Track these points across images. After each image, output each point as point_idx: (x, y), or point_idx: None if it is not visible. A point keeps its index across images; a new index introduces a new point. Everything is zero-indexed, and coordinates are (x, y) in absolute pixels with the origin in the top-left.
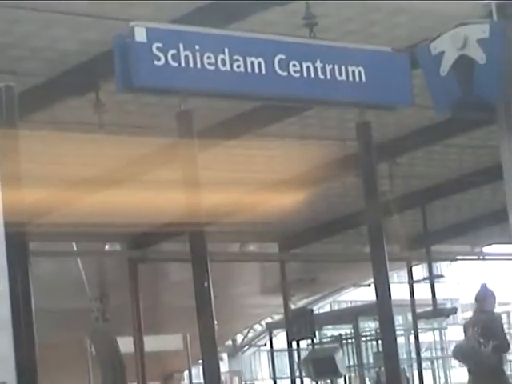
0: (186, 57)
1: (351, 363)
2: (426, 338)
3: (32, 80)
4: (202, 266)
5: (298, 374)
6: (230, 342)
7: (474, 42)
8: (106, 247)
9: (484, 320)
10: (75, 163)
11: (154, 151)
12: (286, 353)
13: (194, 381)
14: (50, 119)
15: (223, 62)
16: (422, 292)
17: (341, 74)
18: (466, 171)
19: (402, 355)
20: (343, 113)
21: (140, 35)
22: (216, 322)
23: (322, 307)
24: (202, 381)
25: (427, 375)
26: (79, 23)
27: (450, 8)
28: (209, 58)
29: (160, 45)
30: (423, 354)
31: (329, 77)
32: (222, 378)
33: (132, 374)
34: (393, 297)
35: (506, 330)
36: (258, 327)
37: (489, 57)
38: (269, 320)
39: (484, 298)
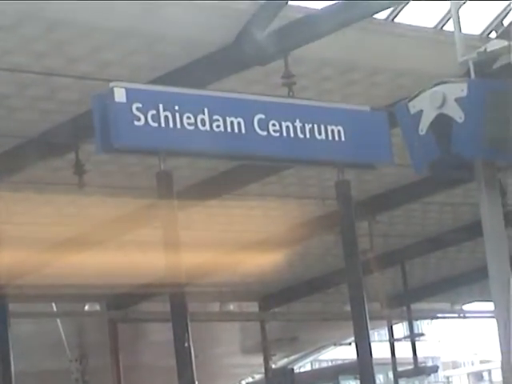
0: (166, 117)
1: None
2: None
3: (11, 141)
4: (182, 326)
5: None
6: None
7: (452, 101)
8: (86, 308)
9: None
10: (55, 224)
11: (134, 211)
12: None
13: None
14: (30, 180)
15: (203, 121)
16: (403, 350)
17: (320, 134)
18: (445, 229)
19: None
20: (323, 171)
21: (119, 95)
22: (196, 382)
23: (303, 366)
24: None
25: None
26: (56, 83)
27: (427, 67)
28: (188, 117)
29: (140, 105)
30: None
31: (308, 136)
32: None
33: None
34: (374, 355)
35: None
36: None
37: (467, 115)
38: (249, 380)
39: None
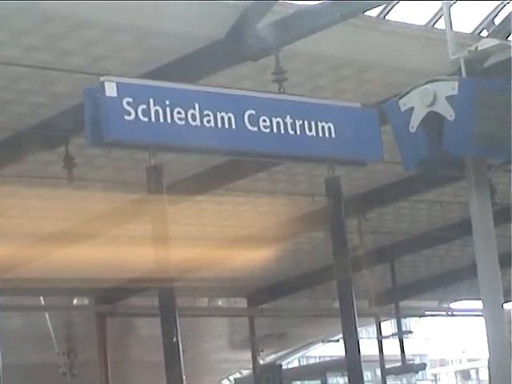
0: (157, 111)
1: None
2: None
3: (1, 134)
4: (170, 321)
5: None
6: None
7: (442, 99)
8: (75, 301)
9: None
10: (44, 218)
11: (124, 206)
12: None
13: None
14: (19, 173)
15: (193, 116)
16: (391, 348)
17: (310, 130)
18: (434, 227)
19: None
20: (312, 168)
21: (110, 90)
22: (184, 377)
23: (291, 362)
24: None
25: None
26: (47, 76)
27: (419, 65)
28: (179, 112)
29: (130, 99)
30: None
31: (298, 132)
32: None
33: None
34: (362, 352)
35: None
36: (226, 382)
37: (457, 113)
38: (237, 375)
39: None
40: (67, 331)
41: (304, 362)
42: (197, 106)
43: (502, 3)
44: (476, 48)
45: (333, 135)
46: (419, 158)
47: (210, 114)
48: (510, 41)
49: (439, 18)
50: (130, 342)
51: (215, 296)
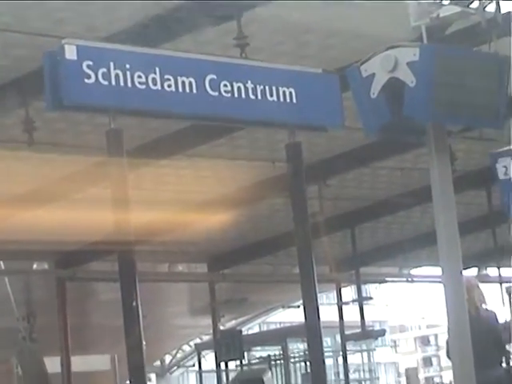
0: (117, 75)
1: None
2: (354, 359)
3: None
4: (130, 286)
5: None
6: (158, 363)
7: (404, 65)
8: (34, 266)
9: None
10: (3, 181)
11: (84, 170)
12: (215, 374)
13: None
14: None
15: (154, 81)
16: (351, 314)
17: (272, 95)
18: (395, 193)
19: (331, 377)
20: (273, 134)
21: (70, 53)
22: (144, 343)
23: (251, 328)
24: None
25: None
26: (9, 39)
27: (380, 31)
28: (139, 76)
29: (90, 63)
30: (351, 376)
31: (260, 97)
32: None
33: None
34: (322, 318)
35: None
36: (186, 348)
37: (418, 79)
38: (197, 341)
39: None
40: (27, 296)
41: (264, 328)
42: (157, 70)
43: None
44: (438, 15)
45: (294, 100)
46: (380, 123)
47: (171, 78)
48: (471, 8)
49: None
50: (90, 307)
51: (176, 261)
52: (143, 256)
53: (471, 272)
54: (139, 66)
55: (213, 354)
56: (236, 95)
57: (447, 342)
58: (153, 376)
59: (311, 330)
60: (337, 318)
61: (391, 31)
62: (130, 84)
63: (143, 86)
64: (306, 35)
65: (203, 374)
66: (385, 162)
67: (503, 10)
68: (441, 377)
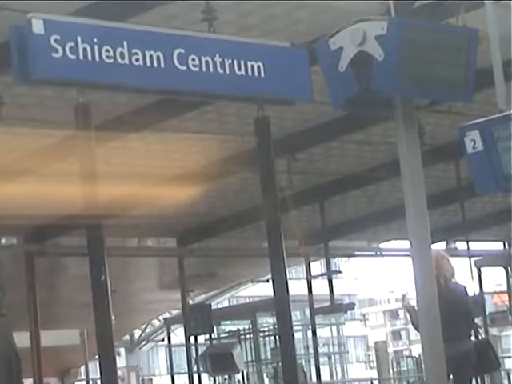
0: (84, 49)
1: (249, 359)
2: (323, 333)
3: None
4: (98, 261)
5: (195, 369)
6: (127, 337)
7: (372, 39)
8: (3, 241)
9: None
10: None
11: (52, 144)
12: (184, 348)
13: (91, 376)
14: None
15: (122, 55)
16: (320, 288)
17: (240, 69)
18: (364, 167)
19: (300, 350)
20: (242, 108)
21: (37, 27)
22: (113, 317)
23: (221, 303)
24: (99, 376)
25: (324, 370)
26: None
27: (349, 4)
28: (107, 51)
29: (58, 37)
30: (321, 350)
31: (228, 71)
32: (120, 373)
33: (28, 370)
34: (291, 292)
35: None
36: (156, 322)
37: (386, 53)
38: (167, 315)
39: None
40: None
41: (234, 303)
42: (125, 44)
43: None
44: None
45: (262, 74)
46: (348, 97)
47: (139, 52)
48: None
49: None
50: (60, 282)
51: (144, 236)
52: (112, 231)
53: (440, 246)
54: (107, 40)
55: (182, 329)
56: (204, 69)
57: (414, 311)
58: (122, 351)
59: (280, 304)
60: (306, 292)
61: (359, 5)
62: (97, 58)
63: (111, 60)
64: (274, 8)
65: (172, 349)
66: (353, 136)
67: None
68: (410, 350)
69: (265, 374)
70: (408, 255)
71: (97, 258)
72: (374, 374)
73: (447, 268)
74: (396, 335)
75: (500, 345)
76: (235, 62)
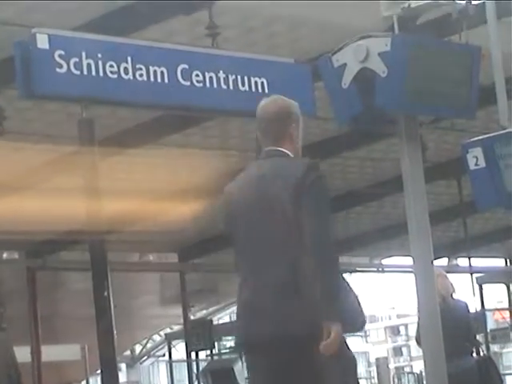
0: (89, 65)
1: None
2: None
3: None
4: (101, 276)
5: None
6: (128, 353)
7: (375, 55)
8: (4, 255)
9: None
10: None
11: (55, 159)
12: (185, 364)
13: None
14: None
15: (126, 70)
16: None
17: (243, 85)
18: (366, 183)
19: None
20: (245, 123)
21: (42, 42)
22: (115, 332)
23: (222, 318)
24: None
25: None
26: None
27: (352, 21)
28: (111, 66)
29: (62, 52)
30: None
31: (231, 87)
32: None
33: None
34: None
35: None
36: (157, 338)
37: (390, 70)
38: (168, 330)
39: None
40: None
41: (235, 318)
42: (129, 59)
43: None
44: (409, 5)
45: (266, 90)
46: (352, 114)
47: (143, 67)
48: None
49: None
50: (61, 297)
51: (146, 251)
52: (113, 246)
53: (441, 262)
54: (111, 55)
55: (183, 344)
56: (208, 85)
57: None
58: (123, 366)
59: None
60: None
61: (362, 21)
62: (101, 73)
63: (115, 76)
64: (277, 25)
65: (173, 364)
66: (356, 152)
67: (474, 1)
68: (411, 366)
69: None
70: (410, 271)
71: (100, 273)
72: None
73: (443, 286)
74: (397, 351)
75: (501, 362)
76: (239, 77)
